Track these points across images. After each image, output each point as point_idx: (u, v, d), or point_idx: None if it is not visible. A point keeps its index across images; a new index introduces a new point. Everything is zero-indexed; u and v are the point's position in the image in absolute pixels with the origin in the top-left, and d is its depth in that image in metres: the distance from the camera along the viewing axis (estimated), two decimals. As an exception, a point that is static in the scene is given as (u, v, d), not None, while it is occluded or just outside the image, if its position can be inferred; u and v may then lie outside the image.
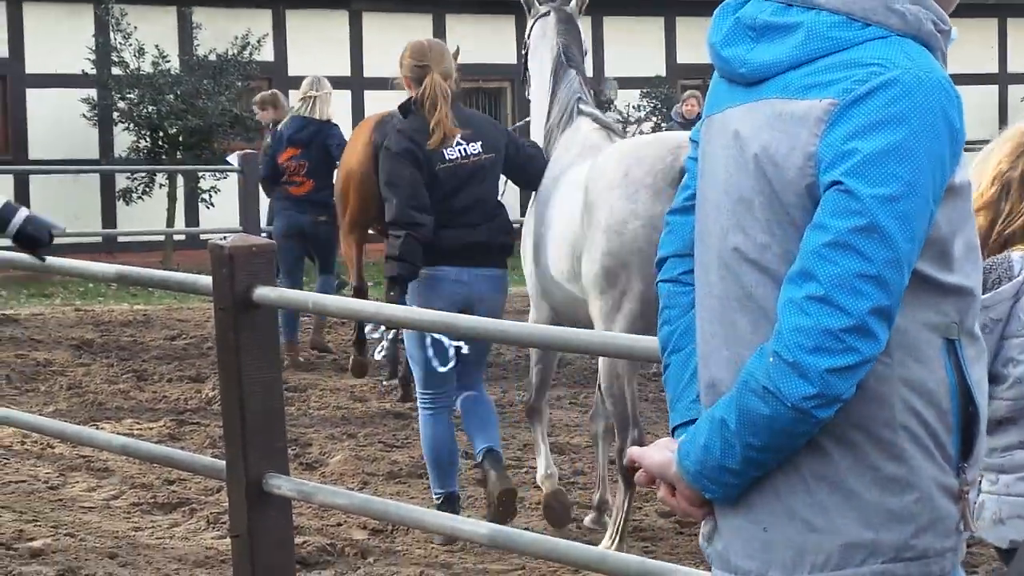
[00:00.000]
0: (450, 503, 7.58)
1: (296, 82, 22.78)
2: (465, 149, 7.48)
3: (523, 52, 8.44)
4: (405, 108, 7.63)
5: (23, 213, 6.00)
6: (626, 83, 24.64)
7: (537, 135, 8.11)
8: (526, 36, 8.42)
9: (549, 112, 8.00)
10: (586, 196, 7.18)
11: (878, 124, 2.52)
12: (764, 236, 2.63)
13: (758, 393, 2.56)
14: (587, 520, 7.93)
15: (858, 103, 2.54)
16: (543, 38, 8.21)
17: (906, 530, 2.63)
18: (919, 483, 2.62)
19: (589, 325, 7.13)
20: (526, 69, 8.36)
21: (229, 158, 19.12)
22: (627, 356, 6.00)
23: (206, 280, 6.42)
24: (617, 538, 7.11)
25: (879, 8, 2.60)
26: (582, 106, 7.93)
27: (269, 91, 17.95)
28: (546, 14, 8.28)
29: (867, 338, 2.51)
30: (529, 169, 7.77)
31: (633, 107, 24.63)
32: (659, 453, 2.78)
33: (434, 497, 7.66)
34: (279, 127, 13.12)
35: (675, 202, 2.97)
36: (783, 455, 2.62)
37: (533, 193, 7.90)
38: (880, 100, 2.53)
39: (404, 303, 7.21)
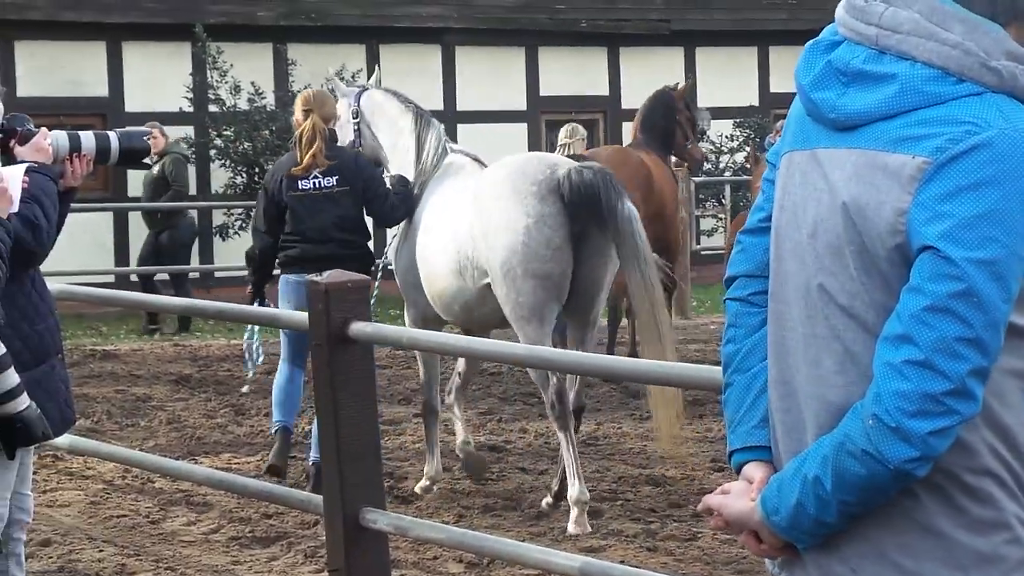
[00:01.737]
0: (284, 432, 9.46)
1: (390, 116, 22.94)
2: (320, 182, 9.25)
3: (355, 121, 9.83)
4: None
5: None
6: (719, 113, 24.58)
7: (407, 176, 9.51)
8: (352, 108, 9.83)
9: (420, 157, 9.47)
10: (476, 205, 8.66)
11: (972, 186, 2.52)
12: (853, 284, 2.64)
13: (856, 455, 2.58)
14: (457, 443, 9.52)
15: (952, 163, 2.54)
16: (375, 104, 9.83)
17: (996, 571, 2.63)
18: (1008, 523, 2.63)
19: (466, 309, 8.88)
20: (359, 135, 9.82)
21: None
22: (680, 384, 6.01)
23: (302, 316, 6.49)
24: (577, 481, 8.28)
25: (975, 65, 2.59)
26: (451, 146, 9.58)
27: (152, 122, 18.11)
28: (363, 90, 9.98)
29: (967, 400, 2.53)
30: (372, 205, 9.38)
31: (726, 137, 24.58)
32: (739, 502, 2.79)
33: (273, 423, 9.61)
34: None
35: (749, 222, 2.96)
36: (878, 504, 2.63)
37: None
38: (974, 162, 2.53)
39: (261, 303, 9.56)
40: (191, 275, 19.71)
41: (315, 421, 8.63)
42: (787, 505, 2.68)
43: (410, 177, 9.49)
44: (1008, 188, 2.52)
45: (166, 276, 18.66)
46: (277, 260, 9.47)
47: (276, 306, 9.46)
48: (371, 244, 9.59)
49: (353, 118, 9.85)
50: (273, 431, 9.66)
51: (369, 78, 10.22)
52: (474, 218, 8.65)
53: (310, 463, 9.17)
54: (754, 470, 2.82)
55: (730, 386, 2.91)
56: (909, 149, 2.57)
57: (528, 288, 8.39)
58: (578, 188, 8.34)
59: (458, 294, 8.84)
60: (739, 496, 2.80)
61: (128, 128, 6.20)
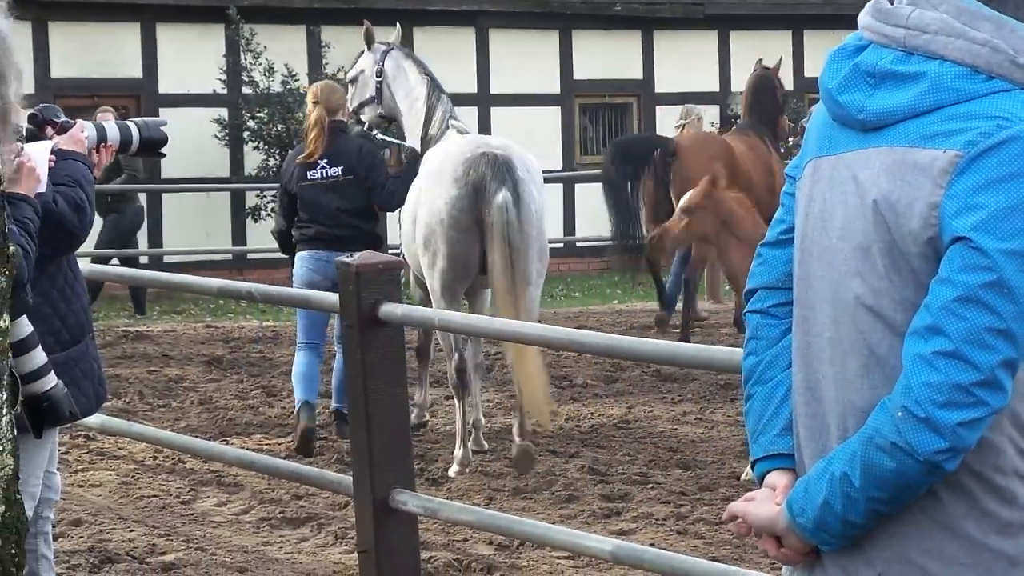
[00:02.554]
0: (307, 407, 9.95)
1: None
2: (327, 171, 10.05)
3: (378, 80, 10.63)
4: None
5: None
6: (753, 97, 24.49)
7: (414, 143, 10.34)
8: (377, 67, 10.66)
9: (427, 127, 10.20)
10: (420, 182, 9.64)
11: (1004, 179, 2.54)
12: (881, 282, 2.64)
13: (885, 448, 2.57)
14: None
15: (984, 156, 2.55)
16: (399, 69, 10.60)
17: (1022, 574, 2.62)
18: None
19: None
20: (379, 93, 10.63)
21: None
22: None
23: (333, 297, 6.49)
24: (462, 444, 9.37)
25: (1004, 62, 2.61)
26: (452, 121, 10.21)
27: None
28: (389, 49, 10.72)
29: (996, 391, 2.53)
30: (374, 192, 10.10)
31: (760, 121, 24.48)
32: (763, 507, 2.78)
33: (296, 400, 10.08)
34: None
35: (768, 235, 2.97)
36: (906, 503, 2.62)
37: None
38: (1006, 155, 2.55)
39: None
40: (225, 257, 19.72)
41: (337, 364, 9.66)
42: (814, 505, 2.67)
43: (414, 142, 10.29)
44: None
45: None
46: (294, 238, 10.24)
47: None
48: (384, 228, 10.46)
49: (376, 76, 10.66)
50: (297, 408, 10.14)
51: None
52: (417, 194, 9.64)
53: (332, 408, 10.29)
54: (778, 477, 2.82)
55: (751, 397, 2.92)
56: (940, 144, 2.58)
57: (441, 265, 9.32)
58: (473, 175, 9.22)
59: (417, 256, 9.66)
60: (763, 502, 2.79)
61: (147, 118, 6.24)
